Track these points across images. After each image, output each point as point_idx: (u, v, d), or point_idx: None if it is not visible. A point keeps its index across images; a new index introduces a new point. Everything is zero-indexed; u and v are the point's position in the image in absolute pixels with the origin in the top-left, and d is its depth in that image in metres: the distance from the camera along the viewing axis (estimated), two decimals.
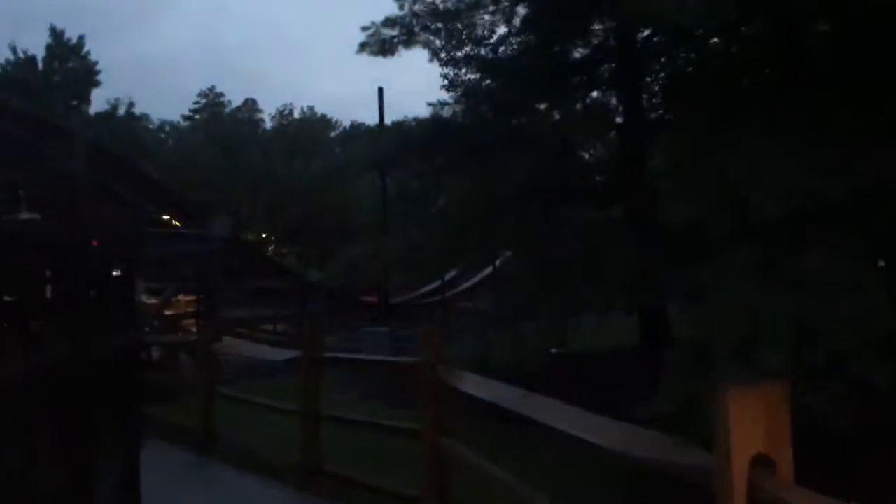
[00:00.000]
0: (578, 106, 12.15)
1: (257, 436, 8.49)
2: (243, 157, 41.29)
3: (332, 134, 47.94)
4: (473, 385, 4.69)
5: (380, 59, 11.99)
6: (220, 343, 8.90)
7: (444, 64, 13.32)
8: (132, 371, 5.21)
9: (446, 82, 13.04)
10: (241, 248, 21.95)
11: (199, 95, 46.35)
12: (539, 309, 8.31)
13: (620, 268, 8.06)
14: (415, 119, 11.02)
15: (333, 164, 41.38)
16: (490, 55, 12.74)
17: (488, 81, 11.97)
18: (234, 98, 47.06)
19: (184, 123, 46.78)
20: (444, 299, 25.00)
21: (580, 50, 12.32)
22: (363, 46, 11.90)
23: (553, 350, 11.46)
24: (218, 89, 46.30)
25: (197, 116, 46.97)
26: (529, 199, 9.57)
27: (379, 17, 12.16)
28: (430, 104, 11.65)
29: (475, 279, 33.01)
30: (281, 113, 45.94)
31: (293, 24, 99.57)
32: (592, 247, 8.69)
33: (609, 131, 12.61)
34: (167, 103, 67.12)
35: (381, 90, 21.40)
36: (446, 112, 11.39)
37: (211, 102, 46.46)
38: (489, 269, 32.22)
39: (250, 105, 47.11)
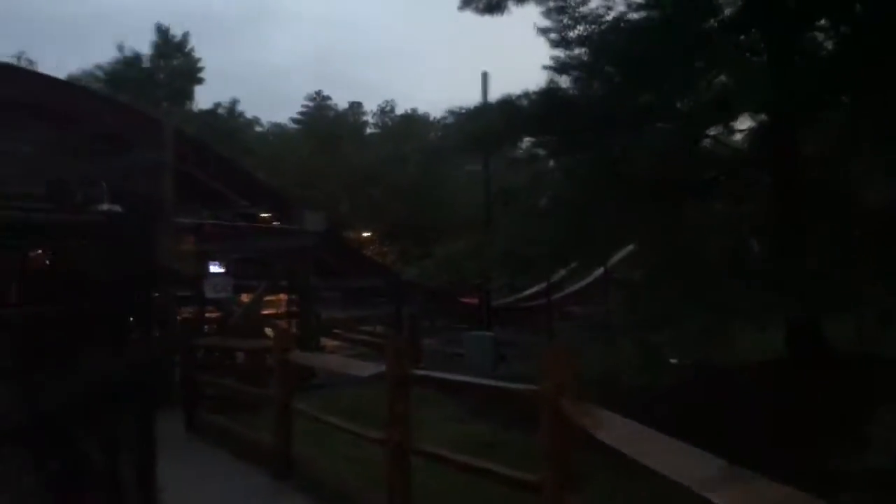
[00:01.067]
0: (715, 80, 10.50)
1: (342, 462, 7.38)
2: (346, 156, 41.06)
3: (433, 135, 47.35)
4: (628, 440, 3.24)
5: (485, 62, 10.73)
6: (296, 352, 7.75)
7: (555, 44, 11.91)
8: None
9: (556, 65, 11.63)
10: (338, 245, 21.14)
11: (307, 99, 46.57)
12: (681, 316, 6.80)
13: (781, 270, 6.47)
14: (526, 94, 9.67)
15: (432, 146, 40.44)
16: (608, 34, 11.22)
17: (606, 64, 10.45)
18: (341, 103, 47.10)
19: (291, 126, 47.17)
20: (550, 303, 23.45)
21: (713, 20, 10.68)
22: (467, 2, 10.65)
23: (674, 361, 9.95)
24: (325, 94, 46.41)
25: (303, 119, 47.22)
26: (660, 186, 8.04)
27: None
28: (546, 67, 10.19)
29: (584, 281, 31.28)
30: (382, 110, 45.54)
31: (401, 31, 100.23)
32: (741, 245, 7.13)
33: (751, 110, 10.89)
34: (276, 108, 68.52)
35: (485, 75, 20.14)
36: (563, 82, 9.91)
37: (318, 106, 46.57)
38: (600, 271, 30.49)
39: (356, 109, 46.97)
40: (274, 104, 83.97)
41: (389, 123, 45.57)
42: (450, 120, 12.64)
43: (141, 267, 4.11)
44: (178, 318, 14.03)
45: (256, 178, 19.64)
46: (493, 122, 10.01)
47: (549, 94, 9.53)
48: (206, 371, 11.60)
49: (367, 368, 6.00)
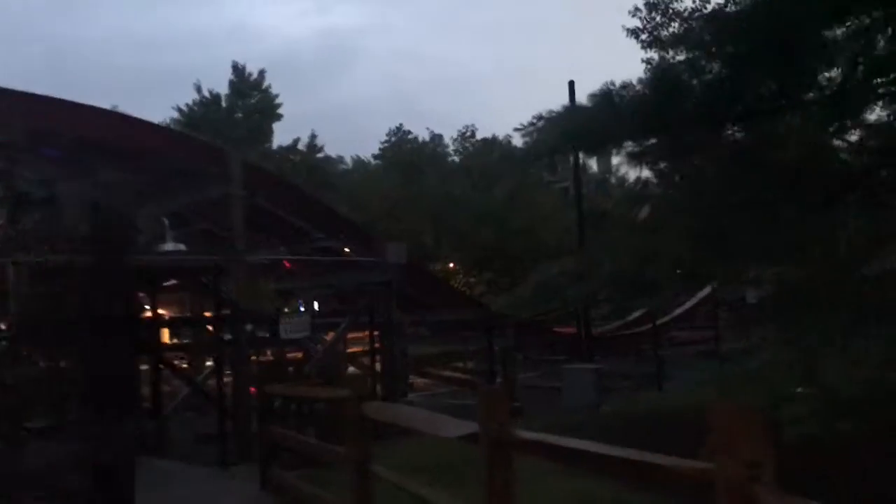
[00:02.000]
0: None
1: None
2: (428, 186, 40.36)
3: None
4: None
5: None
6: (373, 405, 6.58)
7: (646, 46, 10.59)
8: None
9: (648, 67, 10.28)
10: (423, 277, 20.12)
11: (388, 134, 46.24)
12: (854, 343, 5.33)
13: None
14: (628, 84, 8.36)
15: (519, 152, 39.22)
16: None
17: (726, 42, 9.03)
18: (422, 135, 46.54)
19: (373, 162, 46.92)
20: (655, 328, 21.75)
21: None
22: None
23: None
24: (406, 128, 45.95)
25: (384, 153, 46.87)
26: (812, 184, 6.59)
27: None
28: (645, 61, 8.86)
29: (688, 304, 29.34)
30: (463, 135, 44.75)
31: (478, 62, 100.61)
32: None
33: None
34: (357, 146, 68.96)
35: (571, 83, 18.93)
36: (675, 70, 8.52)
37: (399, 140, 46.15)
38: (705, 291, 28.52)
39: (436, 140, 46.30)
40: (355, 142, 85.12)
41: (470, 149, 44.69)
42: (540, 125, 11.70)
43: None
44: (252, 360, 13.21)
45: (334, 210, 18.88)
46: (593, 117, 8.73)
47: (658, 78, 8.18)
48: (283, 421, 10.67)
49: (457, 426, 4.77)
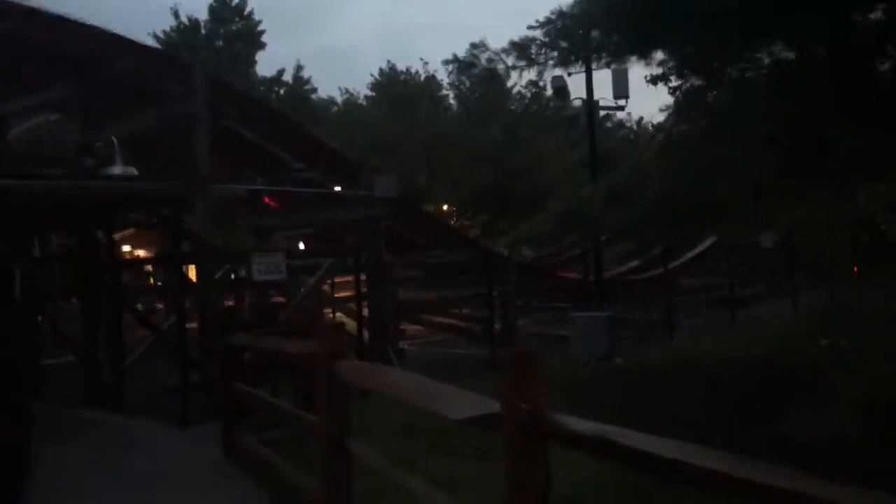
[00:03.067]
0: None
1: None
2: (421, 123, 38.50)
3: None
4: None
5: None
6: (350, 364, 5.10)
7: None
8: None
9: None
10: (415, 214, 18.58)
11: (380, 73, 43.79)
12: None
13: None
14: None
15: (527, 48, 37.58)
16: None
17: None
18: (416, 68, 44.09)
19: (364, 98, 44.70)
20: (667, 273, 20.38)
21: None
22: None
23: None
24: (398, 67, 43.58)
25: (374, 89, 44.54)
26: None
27: None
28: None
29: (697, 249, 27.96)
30: (459, 67, 42.56)
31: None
32: None
33: None
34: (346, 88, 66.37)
35: None
36: None
37: (390, 76, 43.78)
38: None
39: (430, 74, 43.93)
40: (345, 85, 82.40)
41: (467, 83, 42.66)
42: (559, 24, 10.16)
43: None
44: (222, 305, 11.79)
45: (316, 137, 17.19)
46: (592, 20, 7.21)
47: None
48: (254, 375, 9.27)
49: (466, 402, 3.33)
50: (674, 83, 10.04)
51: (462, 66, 10.55)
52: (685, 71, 9.30)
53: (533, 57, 9.54)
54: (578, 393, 8.99)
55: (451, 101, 44.40)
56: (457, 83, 42.78)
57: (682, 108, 10.93)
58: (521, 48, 9.65)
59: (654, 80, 10.34)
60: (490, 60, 10.26)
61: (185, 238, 11.91)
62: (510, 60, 9.97)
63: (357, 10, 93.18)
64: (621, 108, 17.70)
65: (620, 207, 8.80)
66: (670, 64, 9.36)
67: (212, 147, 11.58)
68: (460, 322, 19.49)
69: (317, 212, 15.32)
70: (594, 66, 14.85)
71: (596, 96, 17.56)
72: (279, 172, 15.19)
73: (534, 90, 43.89)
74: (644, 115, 54.92)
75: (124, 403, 12.11)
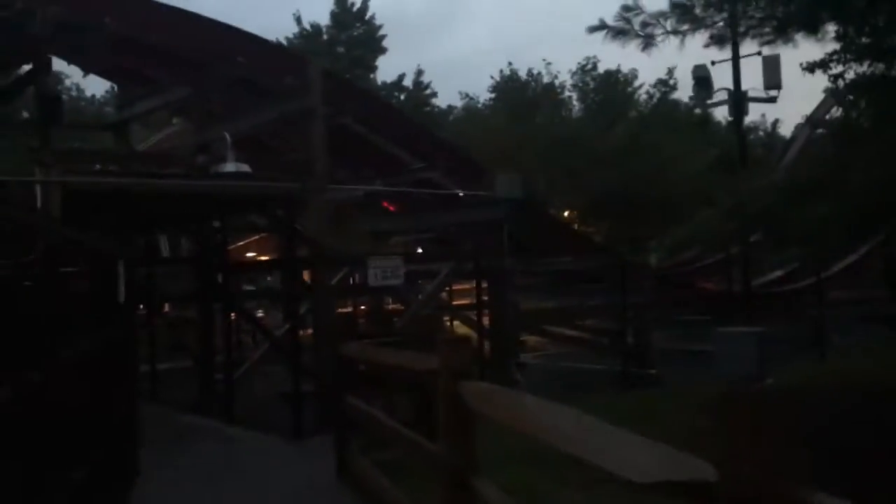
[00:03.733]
0: None
1: None
2: (542, 126, 37.40)
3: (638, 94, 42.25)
4: None
5: None
6: (477, 385, 4.21)
7: None
8: None
9: None
10: (540, 217, 17.60)
11: (500, 77, 42.83)
12: None
13: None
14: None
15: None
16: None
17: None
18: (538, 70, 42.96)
19: (484, 103, 44.00)
20: (820, 284, 18.53)
21: None
22: None
23: None
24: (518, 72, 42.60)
25: (496, 96, 43.65)
26: None
27: None
28: None
29: (850, 258, 25.62)
30: (583, 68, 41.20)
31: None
32: None
33: None
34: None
35: None
36: None
37: (510, 80, 42.78)
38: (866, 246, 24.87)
39: (551, 73, 42.64)
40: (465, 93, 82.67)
41: (591, 84, 41.20)
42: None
43: None
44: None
45: (435, 134, 16.46)
46: None
47: None
48: (370, 388, 8.58)
49: (648, 455, 2.39)
50: (835, 70, 8.84)
51: (612, 32, 9.41)
52: (860, 52, 8.07)
53: (699, 16, 8.45)
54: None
55: (575, 103, 43.06)
56: (580, 83, 41.42)
57: (847, 95, 9.68)
58: (684, 8, 8.58)
59: (811, 68, 9.12)
60: (644, 25, 9.15)
61: (301, 241, 11.45)
62: (669, 25, 8.89)
63: (479, 22, 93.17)
64: (773, 100, 16.08)
65: (807, 202, 7.56)
66: (845, 41, 8.14)
67: (328, 145, 11.05)
68: (587, 334, 18.38)
69: (436, 214, 14.60)
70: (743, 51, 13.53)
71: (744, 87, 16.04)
72: (397, 173, 14.60)
73: (663, 89, 42.14)
74: (780, 117, 51.85)
75: (237, 411, 11.77)
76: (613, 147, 35.66)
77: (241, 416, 11.61)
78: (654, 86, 42.20)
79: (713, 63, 15.80)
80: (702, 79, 16.32)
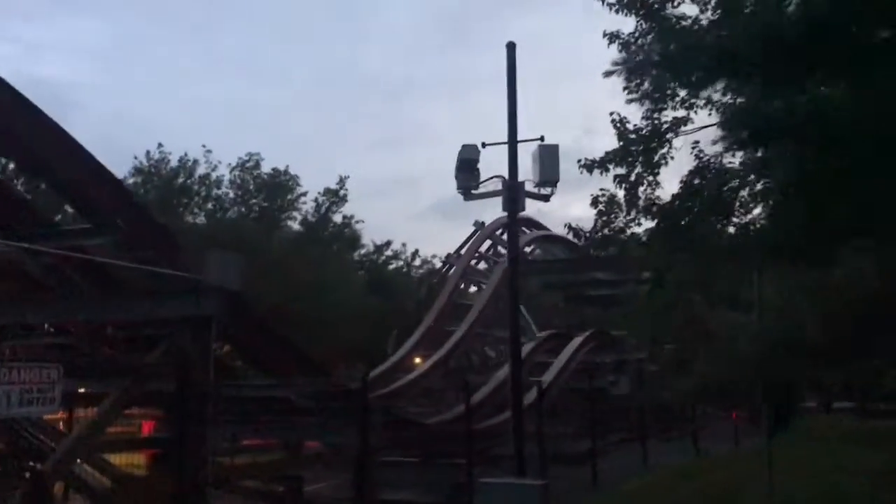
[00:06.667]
0: None
1: None
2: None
3: None
4: None
5: None
6: None
7: None
8: None
9: None
10: (252, 319, 12.89)
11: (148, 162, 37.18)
12: None
13: None
14: None
15: None
16: None
17: None
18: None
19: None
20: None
21: None
22: None
23: None
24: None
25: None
26: None
27: None
28: None
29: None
30: (244, 165, 37.67)
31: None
32: None
33: None
34: None
35: (511, 47, 13.29)
36: None
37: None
38: None
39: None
40: None
41: (252, 184, 37.65)
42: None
43: None
44: None
45: (106, 171, 10.75)
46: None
47: None
48: None
49: None
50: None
51: None
52: None
53: None
54: None
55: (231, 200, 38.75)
56: (239, 180, 37.75)
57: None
58: None
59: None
60: None
61: None
62: None
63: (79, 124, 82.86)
64: (546, 198, 13.61)
65: None
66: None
67: None
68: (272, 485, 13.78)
69: (104, 302, 9.47)
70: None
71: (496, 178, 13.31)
72: (42, 233, 9.30)
73: (332, 199, 40.39)
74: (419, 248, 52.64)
75: None
76: (271, 260, 32.12)
77: None
78: (324, 194, 40.13)
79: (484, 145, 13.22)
80: (467, 161, 13.47)
